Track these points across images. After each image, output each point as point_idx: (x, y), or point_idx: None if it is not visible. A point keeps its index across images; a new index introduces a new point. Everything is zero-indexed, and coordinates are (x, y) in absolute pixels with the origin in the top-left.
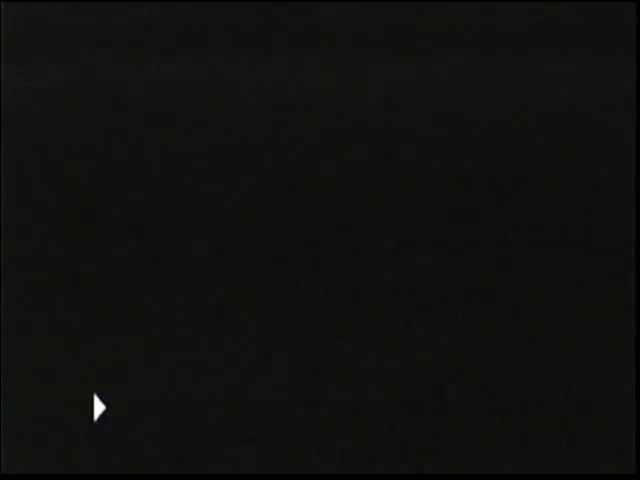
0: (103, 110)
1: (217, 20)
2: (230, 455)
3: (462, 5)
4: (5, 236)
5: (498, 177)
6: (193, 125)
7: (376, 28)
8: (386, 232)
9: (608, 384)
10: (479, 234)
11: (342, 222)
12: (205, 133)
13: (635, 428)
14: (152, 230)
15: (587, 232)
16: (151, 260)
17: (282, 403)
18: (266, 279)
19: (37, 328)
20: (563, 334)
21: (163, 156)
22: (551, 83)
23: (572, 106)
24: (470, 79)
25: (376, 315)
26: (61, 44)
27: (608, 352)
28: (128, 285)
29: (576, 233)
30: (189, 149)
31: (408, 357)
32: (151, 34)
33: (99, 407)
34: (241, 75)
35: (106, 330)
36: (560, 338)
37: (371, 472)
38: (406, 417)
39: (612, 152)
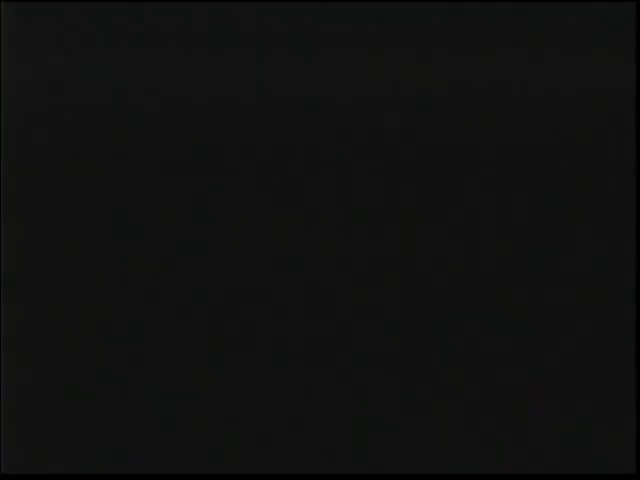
0: (103, 109)
1: (216, 20)
2: (230, 455)
3: (462, 4)
4: (5, 236)
5: (497, 175)
6: (193, 125)
7: (376, 26)
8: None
9: (608, 383)
10: (477, 232)
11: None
12: (204, 133)
13: (635, 427)
14: (150, 229)
15: (587, 230)
16: (149, 256)
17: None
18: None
19: (37, 328)
20: (562, 333)
21: (163, 155)
22: (549, 83)
23: (570, 106)
24: (469, 78)
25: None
26: (61, 44)
27: (608, 351)
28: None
29: (576, 230)
30: (189, 148)
31: (409, 356)
32: (152, 34)
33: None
34: (241, 75)
35: (106, 329)
36: (559, 337)
37: (370, 472)
38: (406, 418)
39: (611, 152)
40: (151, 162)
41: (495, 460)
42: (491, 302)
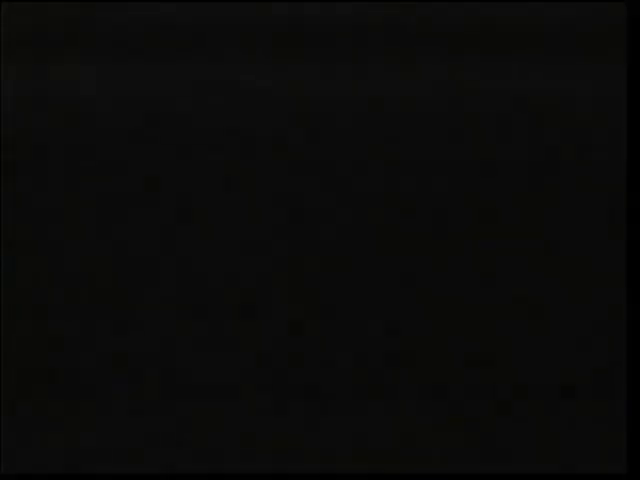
0: (102, 110)
1: (216, 20)
2: (229, 454)
3: (461, 5)
4: (5, 235)
5: (494, 175)
6: (193, 125)
7: (374, 29)
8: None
9: (598, 383)
10: (473, 232)
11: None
12: (204, 133)
13: (626, 427)
14: (151, 228)
15: (580, 229)
16: (150, 251)
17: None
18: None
19: (36, 326)
20: (554, 334)
21: (163, 156)
22: (539, 83)
23: (559, 106)
24: (466, 79)
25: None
26: (61, 44)
27: (599, 352)
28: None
29: (568, 233)
30: (189, 148)
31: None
32: (150, 34)
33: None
34: (240, 77)
35: (105, 327)
36: (552, 338)
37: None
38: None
39: (603, 151)
40: (150, 161)
41: (486, 460)
42: (484, 302)
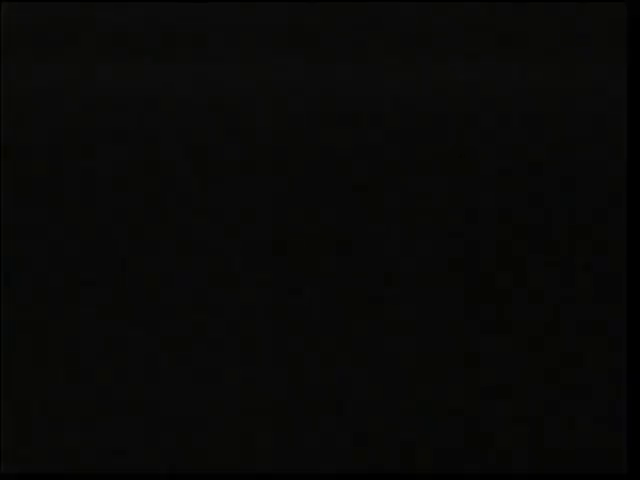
0: (102, 110)
1: (217, 20)
2: (230, 455)
3: (461, 5)
4: (5, 235)
5: (493, 176)
6: (193, 125)
7: (375, 28)
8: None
9: (598, 385)
10: (470, 234)
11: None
12: (204, 133)
13: (626, 428)
14: (151, 229)
15: (578, 231)
16: (151, 257)
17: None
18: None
19: (37, 328)
20: (554, 335)
21: (162, 157)
22: (539, 83)
23: (561, 106)
24: (465, 79)
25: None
26: (61, 44)
27: (599, 353)
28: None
29: (566, 236)
30: (188, 149)
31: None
32: (150, 34)
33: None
34: (240, 76)
35: (106, 326)
36: (552, 338)
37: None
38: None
39: (603, 152)
40: (150, 162)
41: (487, 461)
42: (484, 303)
